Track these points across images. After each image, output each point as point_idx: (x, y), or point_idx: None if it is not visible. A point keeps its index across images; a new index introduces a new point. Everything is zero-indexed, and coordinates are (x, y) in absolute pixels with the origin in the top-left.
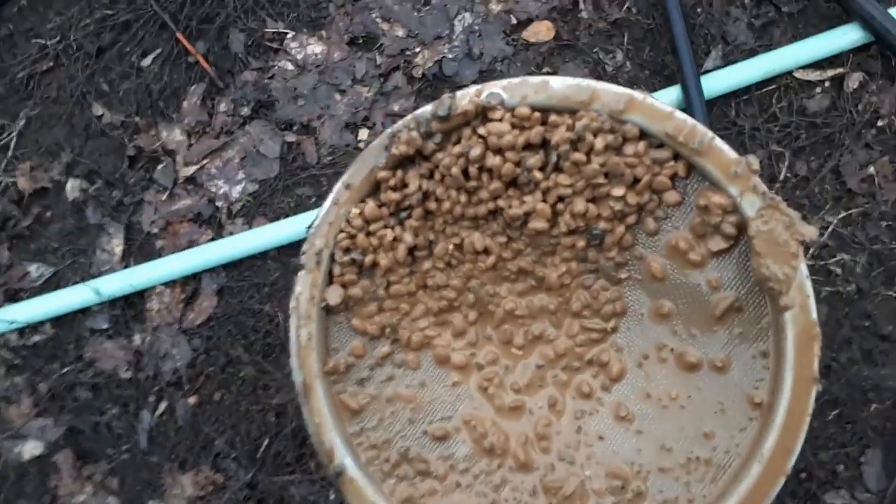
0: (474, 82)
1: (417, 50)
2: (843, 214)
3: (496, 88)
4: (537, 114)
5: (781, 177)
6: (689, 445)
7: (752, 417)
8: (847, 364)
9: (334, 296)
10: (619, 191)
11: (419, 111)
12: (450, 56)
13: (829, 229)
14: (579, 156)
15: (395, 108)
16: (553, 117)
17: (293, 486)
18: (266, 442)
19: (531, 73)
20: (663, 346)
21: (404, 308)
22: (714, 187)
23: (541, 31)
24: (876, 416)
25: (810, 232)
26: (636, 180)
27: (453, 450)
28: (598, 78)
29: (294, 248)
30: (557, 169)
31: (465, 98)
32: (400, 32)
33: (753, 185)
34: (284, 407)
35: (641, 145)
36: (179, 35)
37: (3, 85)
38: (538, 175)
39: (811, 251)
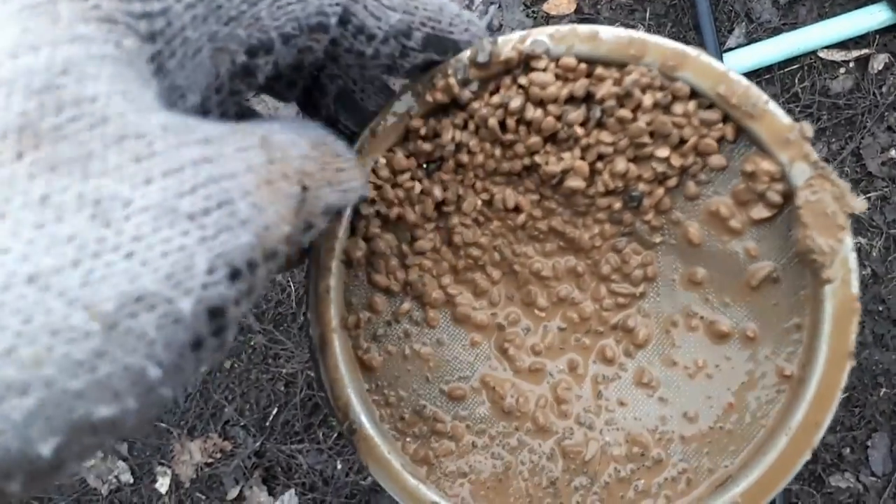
0: None
1: None
2: (861, 198)
3: (542, 36)
4: (583, 65)
5: None
6: (714, 415)
7: (781, 390)
8: (858, 348)
9: (356, 249)
10: (663, 152)
11: (456, 57)
12: None
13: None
14: (625, 112)
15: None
16: (600, 70)
17: (301, 455)
18: (275, 411)
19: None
20: (693, 314)
21: (427, 264)
22: (763, 153)
23: (562, 4)
24: (885, 400)
25: (860, 205)
26: (682, 141)
27: (470, 410)
28: None
29: None
30: (600, 125)
31: (509, 44)
32: None
33: (805, 153)
34: (294, 376)
35: (691, 105)
36: None
37: None
38: (580, 131)
39: None
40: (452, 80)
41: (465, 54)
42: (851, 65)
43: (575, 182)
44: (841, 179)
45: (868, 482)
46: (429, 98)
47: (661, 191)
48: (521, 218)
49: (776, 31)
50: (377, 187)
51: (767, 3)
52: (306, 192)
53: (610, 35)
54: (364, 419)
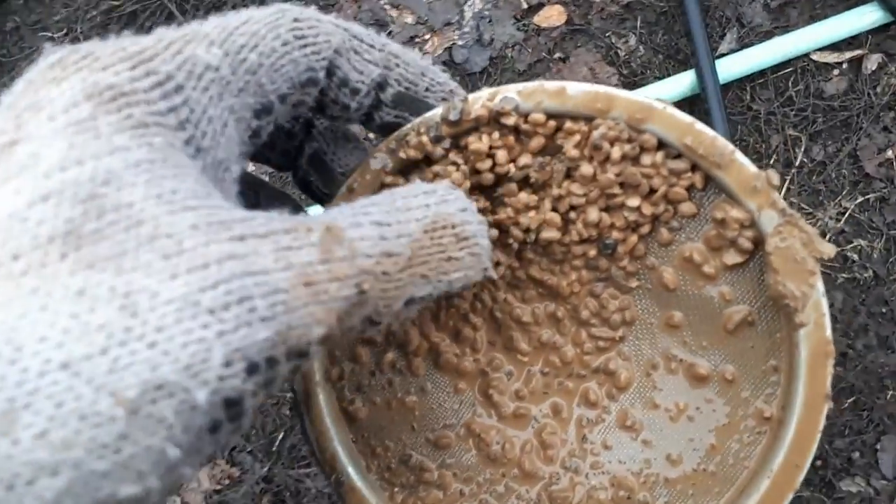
0: (485, 69)
1: (427, 37)
2: (860, 199)
3: (510, 93)
4: (552, 121)
5: (797, 162)
6: (697, 457)
7: (762, 431)
8: (863, 351)
9: None
10: (634, 201)
11: (429, 114)
12: (460, 42)
13: (846, 215)
14: (588, 168)
15: None
16: (568, 124)
17: (308, 479)
18: (281, 435)
19: (541, 60)
20: (673, 357)
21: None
22: (731, 200)
23: (552, 16)
24: (892, 402)
25: (829, 249)
26: (652, 191)
27: (457, 458)
28: (611, 63)
29: None
30: (569, 177)
31: (478, 102)
32: (409, 19)
33: (773, 201)
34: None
35: (659, 155)
36: None
37: (11, 79)
38: (517, 195)
39: (828, 238)
40: (425, 138)
41: (437, 112)
42: (845, 66)
43: (549, 233)
44: (808, 225)
45: (879, 486)
46: (402, 155)
47: (634, 238)
48: (500, 269)
49: (768, 35)
50: None
51: (758, 7)
52: (365, 296)
53: (577, 90)
54: (351, 471)
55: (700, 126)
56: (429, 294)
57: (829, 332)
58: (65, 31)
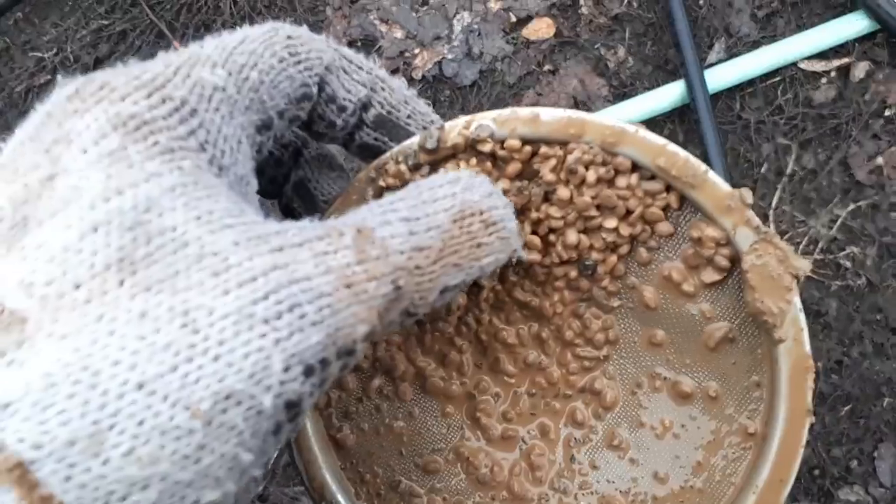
0: (475, 83)
1: (417, 51)
2: (851, 207)
3: (486, 120)
4: (527, 147)
5: (788, 170)
6: (683, 474)
7: (746, 447)
8: (859, 359)
9: None
10: (611, 222)
11: (406, 143)
12: (449, 56)
13: (838, 222)
14: (565, 192)
15: None
16: (544, 149)
17: (304, 497)
18: (275, 453)
19: (531, 72)
20: (657, 375)
21: (395, 339)
22: (707, 219)
23: (541, 29)
24: (889, 410)
25: (804, 266)
26: (628, 212)
27: (446, 482)
28: (601, 74)
29: None
30: (547, 201)
31: (454, 130)
32: (399, 34)
33: (747, 219)
34: None
35: (633, 178)
36: (176, 44)
37: (2, 99)
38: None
39: (820, 245)
40: (403, 167)
41: (415, 140)
42: (833, 74)
43: (530, 256)
44: (783, 242)
45: (877, 494)
46: (381, 183)
47: (613, 258)
48: (484, 293)
49: (756, 45)
50: None
51: (745, 17)
52: (401, 291)
53: (550, 117)
54: (340, 498)
55: (672, 147)
56: (462, 281)
57: (807, 347)
58: (55, 50)
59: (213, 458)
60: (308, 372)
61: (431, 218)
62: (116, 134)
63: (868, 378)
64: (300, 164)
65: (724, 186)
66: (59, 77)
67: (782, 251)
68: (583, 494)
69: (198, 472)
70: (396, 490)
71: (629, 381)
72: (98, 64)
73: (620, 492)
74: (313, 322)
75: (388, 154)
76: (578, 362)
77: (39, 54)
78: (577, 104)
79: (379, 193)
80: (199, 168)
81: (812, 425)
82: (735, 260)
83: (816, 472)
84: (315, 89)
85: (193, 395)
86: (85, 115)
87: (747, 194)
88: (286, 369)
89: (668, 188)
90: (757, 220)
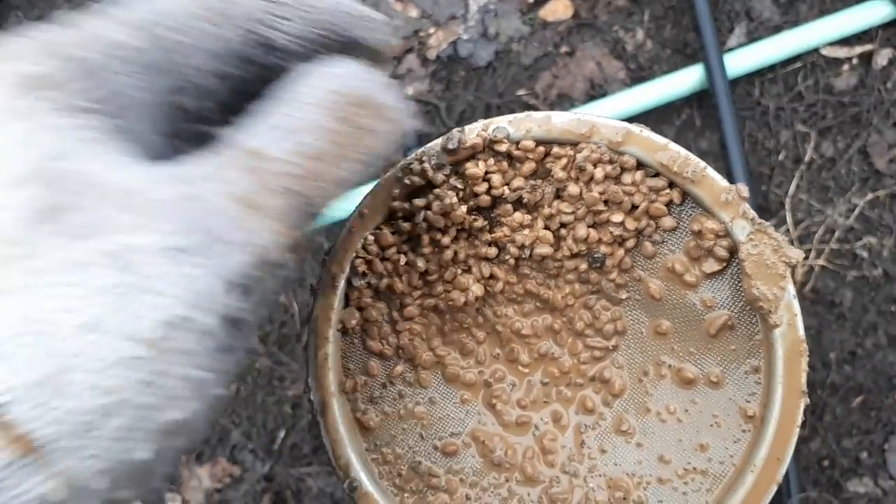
0: (490, 64)
1: (431, 31)
2: (870, 196)
3: (502, 123)
4: (541, 147)
5: (807, 158)
6: (687, 457)
7: (746, 429)
8: (872, 350)
9: (351, 318)
10: (618, 217)
11: (429, 144)
12: (465, 37)
13: (856, 212)
14: (575, 188)
15: (409, 91)
16: (556, 149)
17: (310, 478)
18: (282, 433)
19: (548, 54)
20: (662, 363)
21: (417, 329)
22: (706, 213)
23: (558, 10)
24: None
25: (796, 254)
26: (634, 207)
27: (463, 464)
28: (618, 57)
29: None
30: (559, 197)
31: (473, 132)
32: (413, 13)
33: (743, 212)
34: (300, 398)
35: (638, 175)
36: None
37: None
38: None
39: (837, 235)
40: (427, 166)
41: (437, 142)
42: (855, 61)
43: (542, 249)
44: (777, 233)
45: (887, 486)
46: (407, 181)
47: (621, 252)
48: (499, 284)
49: (777, 30)
50: (368, 261)
51: (767, 1)
52: (303, 197)
53: (561, 119)
54: (364, 477)
55: (674, 146)
56: (355, 171)
57: (801, 331)
58: None
59: (172, 381)
60: (245, 290)
61: (313, 120)
62: (24, 93)
63: (881, 370)
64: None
65: (722, 182)
66: None
67: (776, 241)
68: (591, 477)
69: (160, 396)
70: (416, 470)
71: (636, 370)
72: None
73: (627, 474)
74: (238, 245)
75: (413, 154)
76: (589, 352)
77: None
78: (593, 87)
79: (405, 191)
80: (106, 123)
81: (822, 416)
82: (733, 251)
83: (826, 462)
84: (240, 44)
85: (142, 328)
86: None
87: (743, 188)
88: (221, 291)
89: (671, 185)
90: (752, 213)
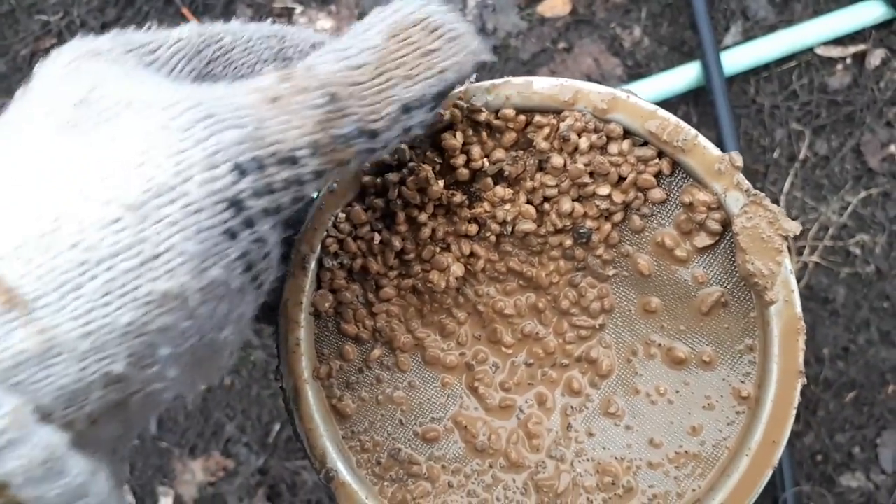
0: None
1: None
2: (863, 194)
3: (480, 90)
4: (522, 116)
5: (801, 156)
6: (678, 440)
7: (740, 411)
8: (865, 346)
9: (324, 302)
10: (604, 189)
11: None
12: None
13: (849, 209)
14: (559, 160)
15: None
16: (538, 117)
17: (304, 472)
18: (277, 427)
19: (545, 50)
20: (651, 342)
21: (394, 310)
22: (698, 184)
23: (556, 6)
24: (893, 397)
25: (793, 227)
26: (621, 179)
27: (444, 450)
28: (616, 54)
29: None
30: (542, 169)
31: (450, 101)
32: None
33: (737, 182)
34: None
35: (625, 144)
36: (185, 10)
37: (6, 63)
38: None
39: (830, 232)
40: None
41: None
42: (849, 61)
43: (525, 225)
44: (773, 204)
45: (879, 480)
46: (386, 156)
47: (608, 226)
48: (480, 263)
49: (772, 29)
50: (340, 241)
51: (763, 1)
52: (340, 102)
53: (543, 84)
54: (341, 466)
55: (663, 112)
56: (423, 95)
57: (799, 308)
58: (61, 14)
59: (156, 248)
60: (241, 171)
61: (363, 41)
62: (74, 55)
63: (874, 365)
64: None
65: (714, 150)
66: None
67: (772, 213)
68: (579, 461)
69: (143, 263)
70: (396, 458)
71: (625, 349)
72: (104, 28)
73: (616, 458)
74: (232, 125)
75: None
76: (575, 331)
77: (45, 17)
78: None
79: (376, 166)
80: (138, 65)
81: (815, 411)
82: (726, 224)
83: (819, 457)
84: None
85: (126, 194)
86: (62, 54)
87: (737, 157)
88: (212, 166)
89: (660, 154)
90: (747, 183)
